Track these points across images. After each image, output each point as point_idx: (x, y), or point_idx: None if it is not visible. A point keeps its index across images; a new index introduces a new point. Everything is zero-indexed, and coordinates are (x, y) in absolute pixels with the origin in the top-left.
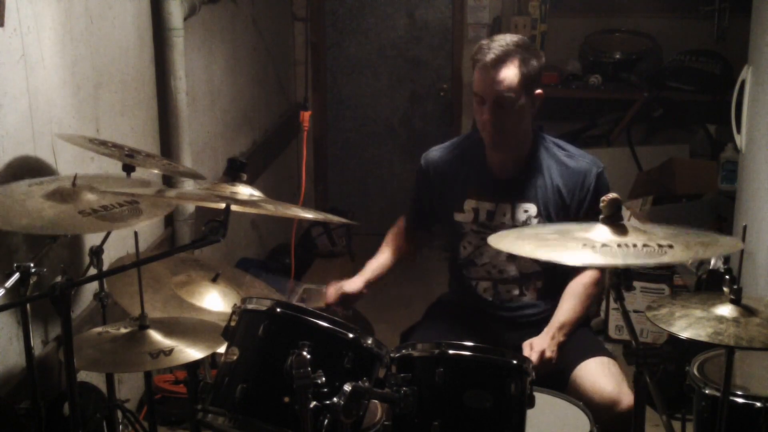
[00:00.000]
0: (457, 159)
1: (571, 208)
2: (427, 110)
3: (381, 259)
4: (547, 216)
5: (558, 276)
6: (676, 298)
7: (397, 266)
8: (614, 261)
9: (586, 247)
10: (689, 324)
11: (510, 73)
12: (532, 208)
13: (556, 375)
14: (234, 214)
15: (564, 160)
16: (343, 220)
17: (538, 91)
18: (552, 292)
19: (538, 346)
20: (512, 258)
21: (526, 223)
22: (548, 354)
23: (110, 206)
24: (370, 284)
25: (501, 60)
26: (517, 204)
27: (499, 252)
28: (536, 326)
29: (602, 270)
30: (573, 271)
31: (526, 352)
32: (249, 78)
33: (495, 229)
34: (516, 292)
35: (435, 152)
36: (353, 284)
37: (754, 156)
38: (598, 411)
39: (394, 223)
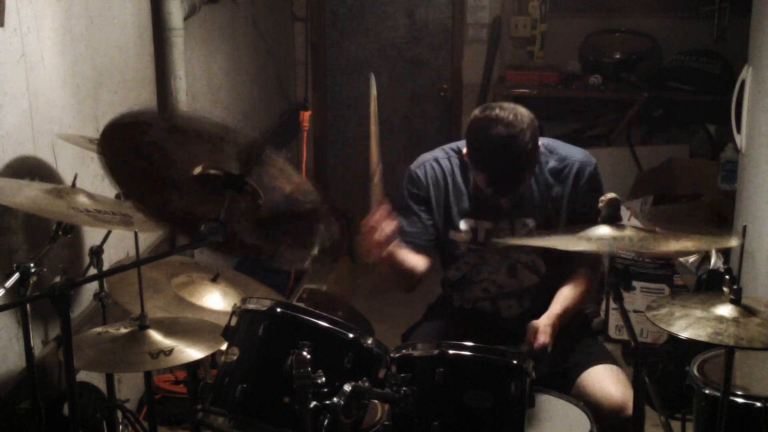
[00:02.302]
0: (449, 175)
1: (569, 210)
2: (427, 110)
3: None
4: (546, 226)
5: (557, 286)
6: (676, 298)
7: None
8: (606, 249)
9: (581, 239)
10: (689, 324)
11: (523, 182)
12: (530, 222)
13: (561, 379)
14: None
15: (556, 165)
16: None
17: (540, 143)
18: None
19: (542, 331)
20: (512, 272)
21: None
22: (541, 339)
23: (102, 212)
24: None
25: (516, 183)
26: (516, 219)
27: (498, 268)
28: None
29: (593, 277)
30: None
31: (531, 336)
32: (249, 78)
33: (492, 247)
34: (516, 307)
35: (426, 165)
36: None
37: (754, 156)
38: (604, 416)
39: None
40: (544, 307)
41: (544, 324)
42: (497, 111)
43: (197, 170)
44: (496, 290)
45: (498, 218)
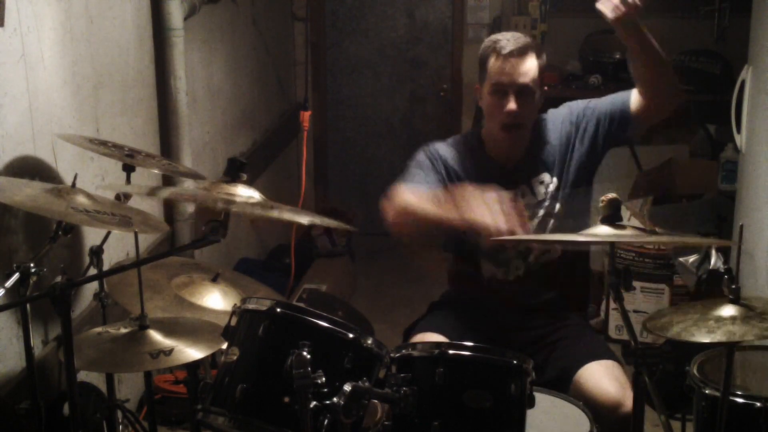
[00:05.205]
0: (462, 156)
1: (578, 149)
2: (427, 110)
3: None
4: (561, 176)
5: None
6: (679, 308)
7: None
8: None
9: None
10: (685, 327)
11: (532, 64)
12: (546, 177)
13: (559, 376)
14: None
15: (550, 119)
16: (342, 226)
17: (545, 87)
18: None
19: None
20: (542, 227)
21: (546, 194)
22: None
23: (102, 212)
24: None
25: (523, 51)
26: (532, 180)
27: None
28: (547, 312)
29: None
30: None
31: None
32: (249, 78)
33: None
34: (545, 256)
35: (439, 147)
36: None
37: (754, 156)
38: (602, 413)
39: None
40: (569, 261)
41: None
42: None
43: None
44: (524, 247)
45: (515, 184)
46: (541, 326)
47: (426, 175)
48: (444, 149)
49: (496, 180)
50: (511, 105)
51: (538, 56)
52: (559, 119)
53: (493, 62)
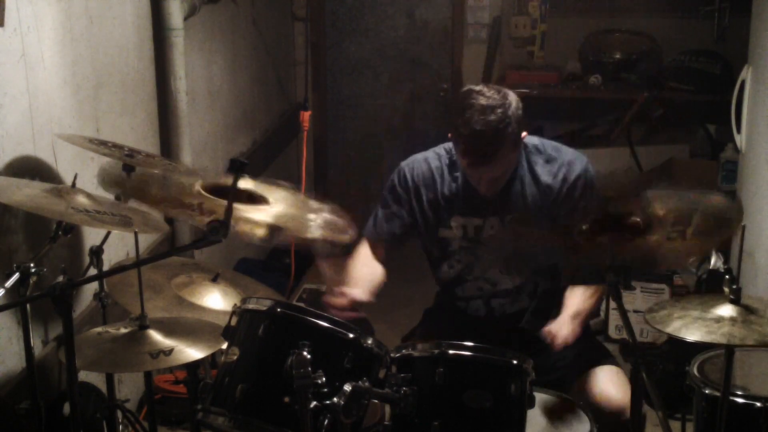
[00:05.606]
0: (439, 175)
1: (558, 208)
2: (427, 110)
3: (373, 273)
4: (536, 221)
5: (550, 289)
6: (679, 301)
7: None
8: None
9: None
10: (684, 324)
11: (501, 158)
12: None
13: (561, 379)
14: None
15: (543, 164)
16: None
17: (524, 134)
18: (544, 306)
19: (558, 333)
20: (506, 269)
21: None
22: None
23: (102, 212)
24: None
25: (491, 153)
26: (506, 216)
27: (491, 265)
28: (528, 341)
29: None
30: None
31: (548, 340)
32: (249, 78)
33: (485, 243)
34: (509, 306)
35: (416, 165)
36: (361, 294)
37: (754, 156)
38: (604, 419)
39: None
40: (539, 305)
41: (559, 324)
42: (483, 86)
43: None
44: (489, 288)
45: (487, 216)
46: (537, 329)
47: (392, 204)
48: (420, 169)
49: (468, 204)
50: (482, 188)
51: (508, 130)
52: (555, 165)
53: (460, 148)
